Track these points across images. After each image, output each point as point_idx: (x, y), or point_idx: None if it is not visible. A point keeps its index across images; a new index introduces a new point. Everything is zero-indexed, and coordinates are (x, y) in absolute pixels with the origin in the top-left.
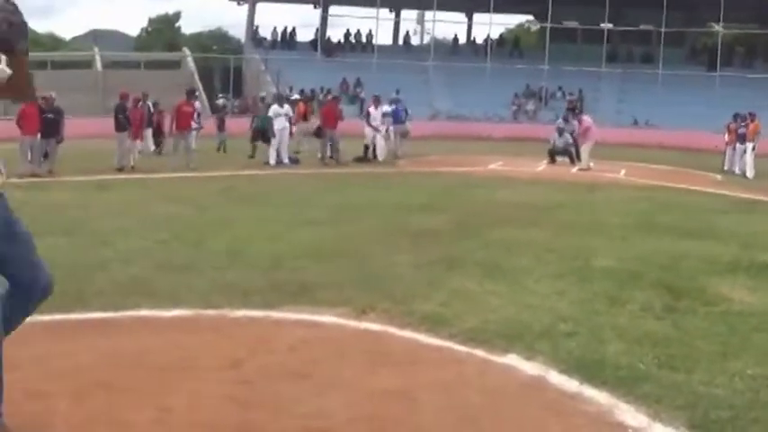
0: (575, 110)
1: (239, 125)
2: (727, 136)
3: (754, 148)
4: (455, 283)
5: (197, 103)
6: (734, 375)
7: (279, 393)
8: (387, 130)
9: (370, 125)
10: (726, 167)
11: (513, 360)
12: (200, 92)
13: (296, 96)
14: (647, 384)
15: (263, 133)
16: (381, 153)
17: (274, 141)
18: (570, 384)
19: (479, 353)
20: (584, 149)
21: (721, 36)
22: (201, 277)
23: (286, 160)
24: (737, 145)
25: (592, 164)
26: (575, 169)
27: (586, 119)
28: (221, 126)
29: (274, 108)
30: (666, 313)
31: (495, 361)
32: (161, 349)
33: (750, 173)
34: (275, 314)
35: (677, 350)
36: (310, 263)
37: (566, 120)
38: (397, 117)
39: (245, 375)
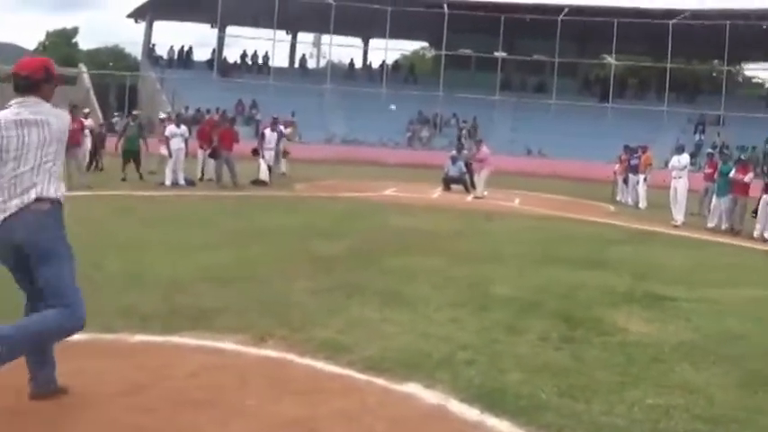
0: (461, 138)
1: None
2: (618, 166)
3: (646, 179)
4: (354, 310)
5: (89, 120)
6: (633, 405)
7: (181, 422)
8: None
9: (262, 151)
10: (618, 198)
11: (413, 389)
12: (96, 109)
13: (163, 115)
14: (547, 414)
15: (132, 154)
16: (265, 176)
17: (170, 161)
18: (471, 413)
19: (379, 381)
20: (482, 178)
21: (614, 68)
22: (99, 300)
23: (182, 181)
24: (630, 176)
25: (486, 192)
26: (470, 197)
27: (484, 148)
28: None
29: (171, 128)
30: (564, 343)
31: (395, 389)
32: (59, 374)
33: (642, 204)
34: (175, 339)
35: (576, 380)
36: (209, 287)
37: (458, 150)
38: None
39: (146, 402)
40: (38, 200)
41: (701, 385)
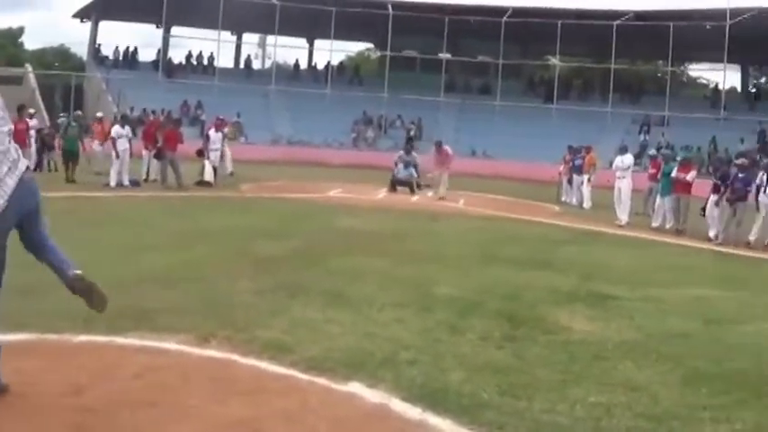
0: (410, 140)
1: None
2: (562, 167)
3: (590, 180)
4: (297, 310)
5: (34, 121)
6: (575, 403)
7: (123, 422)
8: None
9: (207, 152)
10: (563, 198)
11: (355, 388)
12: (42, 109)
13: (99, 114)
14: (489, 412)
15: (71, 154)
16: (210, 177)
17: (116, 163)
18: (413, 412)
19: (322, 381)
20: (444, 179)
21: (558, 69)
22: (43, 301)
23: (127, 182)
24: (574, 176)
25: (430, 194)
26: (415, 197)
27: (449, 148)
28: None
29: (116, 129)
30: (507, 342)
31: (338, 389)
32: (2, 374)
33: (587, 204)
34: (119, 340)
35: (518, 378)
36: (153, 288)
37: (407, 151)
38: None
39: (88, 403)
40: (27, 168)
41: (643, 383)
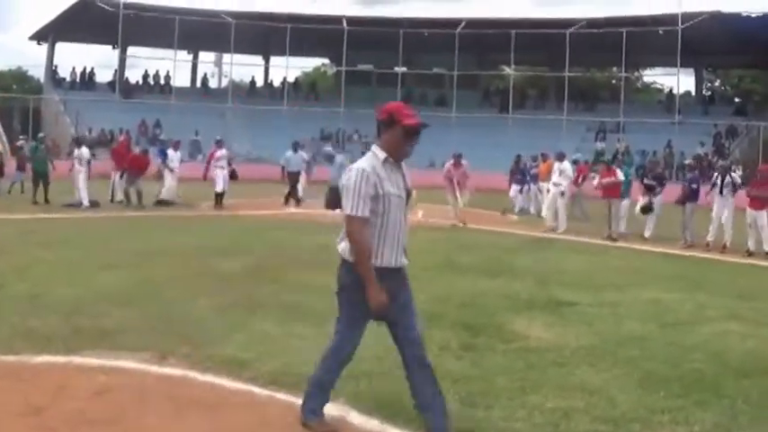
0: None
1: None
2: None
3: (549, 190)
4: (256, 326)
5: None
6: (533, 409)
7: None
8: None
9: (168, 168)
10: (517, 207)
11: None
12: (1, 133)
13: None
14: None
15: (42, 176)
16: (167, 195)
17: (84, 183)
18: (371, 424)
19: (282, 396)
20: (465, 199)
21: (512, 79)
22: (1, 323)
23: (86, 203)
24: (531, 185)
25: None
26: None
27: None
28: (20, 167)
29: (84, 150)
30: (465, 351)
31: (298, 404)
32: None
33: (544, 212)
34: (77, 359)
35: (477, 387)
36: (111, 308)
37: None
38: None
39: (47, 422)
40: None
41: (601, 387)
